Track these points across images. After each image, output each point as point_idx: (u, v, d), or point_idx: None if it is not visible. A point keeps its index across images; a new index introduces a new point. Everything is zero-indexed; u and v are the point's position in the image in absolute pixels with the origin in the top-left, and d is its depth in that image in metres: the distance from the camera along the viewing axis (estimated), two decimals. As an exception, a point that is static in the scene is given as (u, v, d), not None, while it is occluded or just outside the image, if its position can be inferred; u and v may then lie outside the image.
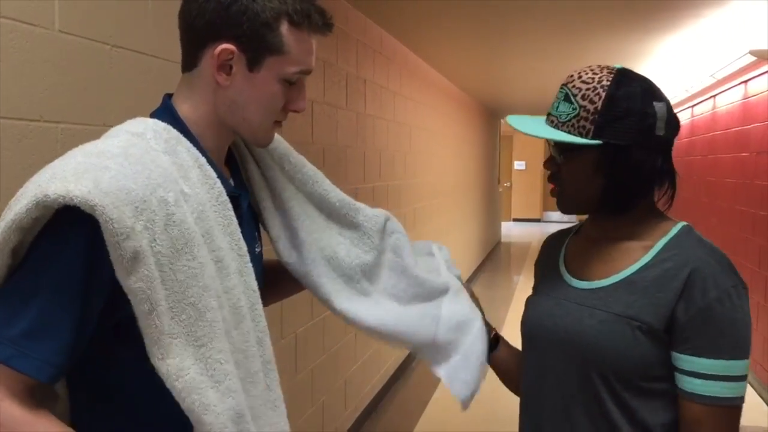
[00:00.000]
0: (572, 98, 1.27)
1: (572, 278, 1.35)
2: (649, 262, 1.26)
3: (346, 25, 4.02)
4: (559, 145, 1.30)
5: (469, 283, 9.20)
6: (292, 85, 1.15)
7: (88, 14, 1.78)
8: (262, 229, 1.35)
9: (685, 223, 1.32)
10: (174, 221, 0.98)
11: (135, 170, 0.97)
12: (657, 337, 1.21)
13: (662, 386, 1.23)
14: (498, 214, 13.60)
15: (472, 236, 9.76)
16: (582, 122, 1.25)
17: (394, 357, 5.26)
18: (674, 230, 1.30)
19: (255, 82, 1.11)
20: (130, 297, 0.94)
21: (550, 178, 1.35)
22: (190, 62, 1.13)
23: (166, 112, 1.14)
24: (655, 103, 1.27)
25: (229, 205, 1.11)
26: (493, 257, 11.75)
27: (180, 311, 0.97)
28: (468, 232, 9.34)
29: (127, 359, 1.03)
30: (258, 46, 1.09)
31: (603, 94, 1.24)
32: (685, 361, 1.20)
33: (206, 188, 1.08)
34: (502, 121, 13.62)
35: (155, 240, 0.95)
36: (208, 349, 0.99)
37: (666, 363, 1.22)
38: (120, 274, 0.93)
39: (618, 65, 1.31)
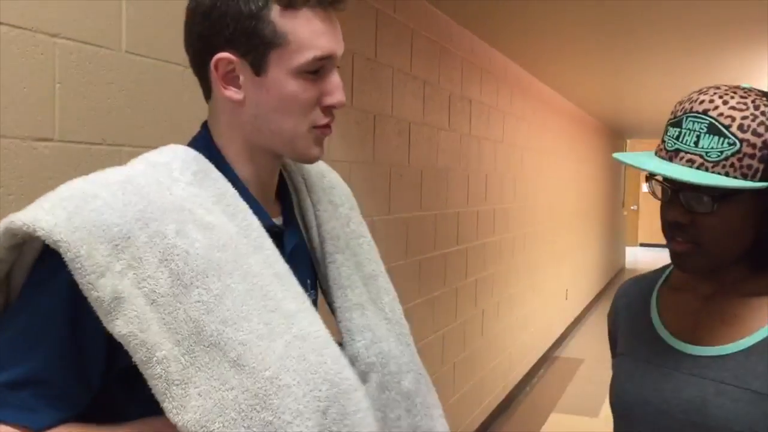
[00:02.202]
0: (724, 130, 1.01)
1: (679, 341, 1.12)
2: None
3: (450, 43, 3.89)
4: (703, 192, 1.04)
5: (587, 310, 8.93)
6: (316, 77, 0.97)
7: (159, 34, 1.74)
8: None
9: None
10: (175, 254, 0.87)
11: (127, 201, 0.87)
12: None
13: None
14: (622, 239, 12.98)
15: (591, 262, 9.31)
16: (747, 160, 1.01)
17: (525, 362, 5.35)
18: None
19: (267, 86, 0.96)
20: (123, 345, 0.84)
21: (674, 232, 1.08)
22: (206, 90, 1.03)
23: (201, 141, 1.04)
24: None
25: (267, 240, 0.98)
26: (615, 284, 11.19)
27: (200, 354, 0.85)
28: (586, 257, 8.92)
29: (135, 411, 0.93)
30: (254, 45, 0.94)
31: None
32: None
33: (236, 221, 0.96)
34: (628, 141, 13.03)
35: (145, 280, 0.85)
36: (240, 392, 0.85)
37: None
38: (104, 320, 0.83)
39: (746, 85, 1.08)
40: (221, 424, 0.83)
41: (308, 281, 1.10)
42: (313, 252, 1.14)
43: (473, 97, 4.33)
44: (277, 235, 1.03)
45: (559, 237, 7.18)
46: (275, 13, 0.93)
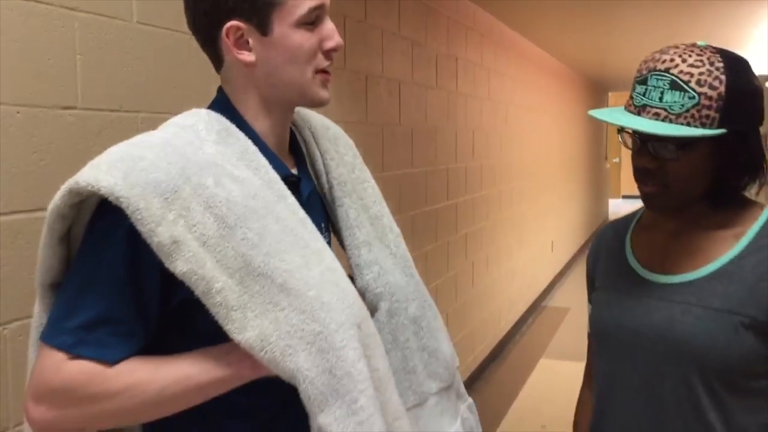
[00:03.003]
0: (684, 85, 1.13)
1: (650, 272, 1.26)
2: (744, 250, 1.18)
3: (436, 3, 3.97)
4: (668, 141, 1.15)
5: (572, 261, 9.11)
6: (314, 26, 1.09)
7: (166, 5, 1.83)
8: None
9: None
10: (218, 201, 0.98)
11: (170, 161, 0.98)
12: (760, 331, 1.13)
13: (763, 383, 1.15)
14: (605, 192, 13.16)
15: (576, 214, 9.49)
16: (705, 111, 1.12)
17: (514, 311, 5.51)
18: (765, 215, 1.21)
19: (275, 43, 1.08)
20: (185, 282, 0.96)
21: (644, 177, 1.21)
22: (217, 62, 1.14)
23: (220, 103, 1.15)
24: (757, 81, 1.18)
25: (285, 189, 1.10)
26: (599, 236, 11.37)
27: (251, 282, 0.97)
28: (571, 210, 9.10)
29: (191, 346, 1.04)
30: (257, 9, 1.06)
31: (723, 78, 1.13)
32: None
33: (260, 174, 1.08)
34: (610, 95, 13.12)
35: (195, 225, 0.96)
36: (291, 311, 0.97)
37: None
38: (166, 261, 0.95)
39: (701, 42, 1.20)
40: (277, 337, 0.96)
41: (322, 224, 1.22)
42: (324, 197, 1.26)
43: (459, 56, 4.42)
44: (293, 184, 1.15)
45: (545, 191, 7.33)
46: None
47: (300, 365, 0.96)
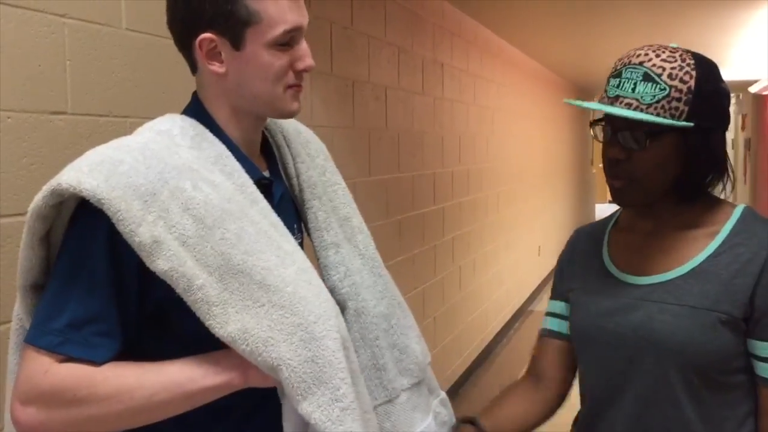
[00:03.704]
0: (656, 78, 1.17)
1: (626, 274, 1.29)
2: (718, 248, 1.21)
3: (421, 9, 4.00)
4: (637, 131, 1.19)
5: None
6: (287, 47, 1.10)
7: (155, 12, 1.85)
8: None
9: (744, 204, 1.27)
10: (196, 203, 1.01)
11: (148, 165, 1.01)
12: (736, 327, 1.16)
13: (739, 378, 1.19)
14: (591, 196, 13.25)
15: (563, 218, 9.55)
16: (674, 103, 1.17)
17: (501, 315, 5.57)
18: (737, 213, 1.24)
19: (247, 59, 1.10)
20: (166, 280, 0.98)
21: (612, 169, 1.25)
22: (192, 65, 1.16)
23: (193, 109, 1.18)
24: (725, 84, 1.22)
25: (257, 194, 1.13)
26: (585, 240, 11.43)
27: (231, 280, 1.00)
28: (558, 214, 9.15)
29: (170, 353, 1.06)
30: (231, 25, 1.07)
31: (693, 74, 1.17)
32: (764, 348, 1.16)
33: (233, 179, 1.11)
34: (595, 99, 13.19)
35: (174, 226, 0.99)
36: (271, 307, 1.00)
37: (744, 354, 1.18)
38: (147, 261, 0.97)
39: (674, 44, 1.25)
40: (259, 330, 0.99)
41: (294, 225, 1.26)
42: (295, 199, 1.30)
43: (445, 62, 4.46)
44: (266, 187, 1.18)
45: (531, 195, 7.38)
46: None
47: (282, 354, 0.99)
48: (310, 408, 0.99)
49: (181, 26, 1.11)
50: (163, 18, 1.79)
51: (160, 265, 0.97)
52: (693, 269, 1.21)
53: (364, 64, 3.28)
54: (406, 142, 3.80)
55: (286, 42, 1.10)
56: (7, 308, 1.50)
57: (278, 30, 1.08)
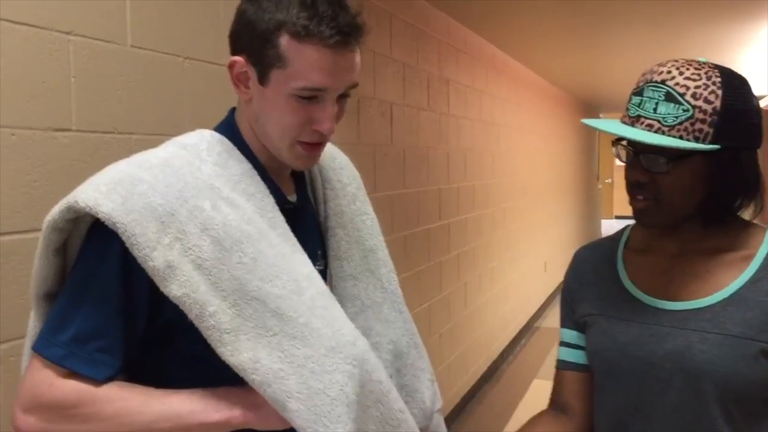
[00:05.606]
0: (679, 98, 1.11)
1: (654, 299, 1.21)
2: (756, 274, 1.15)
3: (427, 26, 4.01)
4: (660, 154, 1.13)
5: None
6: (310, 102, 1.05)
7: (160, 29, 1.86)
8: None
9: None
10: (215, 224, 1.00)
11: (168, 183, 1.00)
12: None
13: None
14: (597, 212, 13.21)
15: (568, 234, 9.52)
16: (698, 125, 1.10)
17: (507, 332, 5.58)
18: None
19: (267, 96, 1.07)
20: (180, 306, 0.97)
21: (636, 190, 1.19)
22: None
23: (226, 125, 1.16)
24: (755, 100, 1.16)
25: (281, 218, 1.10)
26: (592, 256, 11.39)
27: (245, 306, 0.99)
28: (563, 230, 9.13)
29: (175, 372, 1.06)
30: (261, 59, 1.05)
31: (719, 93, 1.11)
32: None
33: (255, 200, 1.09)
34: (601, 116, 13.22)
35: (190, 248, 0.98)
36: (283, 337, 0.99)
37: None
38: (160, 285, 0.97)
39: (702, 59, 1.18)
40: (270, 362, 0.98)
41: (318, 252, 1.23)
42: (320, 225, 1.27)
43: (450, 78, 4.46)
44: (290, 211, 1.15)
45: (537, 211, 7.36)
46: (285, 38, 1.02)
47: (291, 388, 0.98)
48: None
49: (229, 40, 1.11)
50: (168, 35, 1.80)
51: (173, 290, 0.97)
52: (732, 296, 1.15)
53: (369, 80, 3.28)
54: (411, 158, 3.79)
55: (307, 97, 1.05)
56: (7, 327, 1.49)
57: (299, 83, 1.03)
